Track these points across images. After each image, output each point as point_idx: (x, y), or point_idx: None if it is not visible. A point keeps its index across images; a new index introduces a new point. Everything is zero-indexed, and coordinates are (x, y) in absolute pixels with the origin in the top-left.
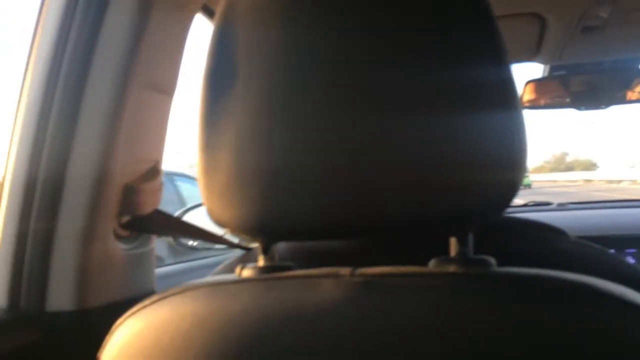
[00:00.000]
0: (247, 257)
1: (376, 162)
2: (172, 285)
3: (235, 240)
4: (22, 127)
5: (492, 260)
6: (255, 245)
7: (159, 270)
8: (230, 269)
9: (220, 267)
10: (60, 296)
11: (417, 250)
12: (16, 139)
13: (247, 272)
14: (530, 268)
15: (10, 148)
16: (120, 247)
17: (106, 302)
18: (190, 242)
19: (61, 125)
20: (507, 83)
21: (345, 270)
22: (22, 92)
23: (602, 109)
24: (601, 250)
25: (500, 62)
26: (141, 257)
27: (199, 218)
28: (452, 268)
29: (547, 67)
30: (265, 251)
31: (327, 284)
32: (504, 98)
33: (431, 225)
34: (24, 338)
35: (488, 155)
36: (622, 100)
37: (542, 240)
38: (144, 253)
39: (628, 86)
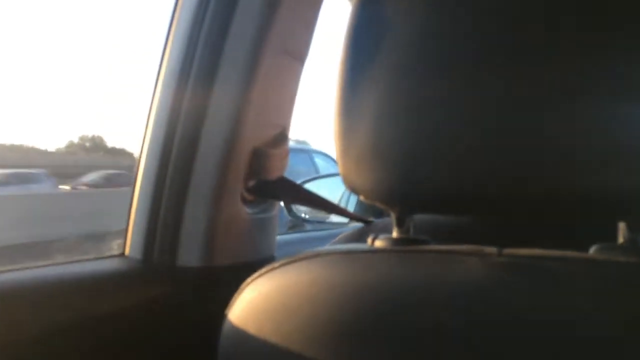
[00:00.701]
0: (368, 231)
1: (533, 136)
2: (289, 253)
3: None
4: (161, 90)
5: None
6: (374, 219)
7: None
8: (351, 240)
9: (338, 238)
10: (190, 252)
11: (569, 236)
12: (155, 101)
13: (380, 243)
14: None
15: (150, 110)
16: (245, 211)
17: (230, 262)
18: (303, 215)
19: (197, 89)
20: None
21: (490, 249)
22: (162, 57)
23: None
24: None
25: None
26: (264, 222)
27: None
28: (620, 257)
29: None
30: (400, 223)
31: (471, 262)
32: None
33: (597, 207)
34: (156, 289)
35: None
36: None
37: None
38: (268, 218)
39: None
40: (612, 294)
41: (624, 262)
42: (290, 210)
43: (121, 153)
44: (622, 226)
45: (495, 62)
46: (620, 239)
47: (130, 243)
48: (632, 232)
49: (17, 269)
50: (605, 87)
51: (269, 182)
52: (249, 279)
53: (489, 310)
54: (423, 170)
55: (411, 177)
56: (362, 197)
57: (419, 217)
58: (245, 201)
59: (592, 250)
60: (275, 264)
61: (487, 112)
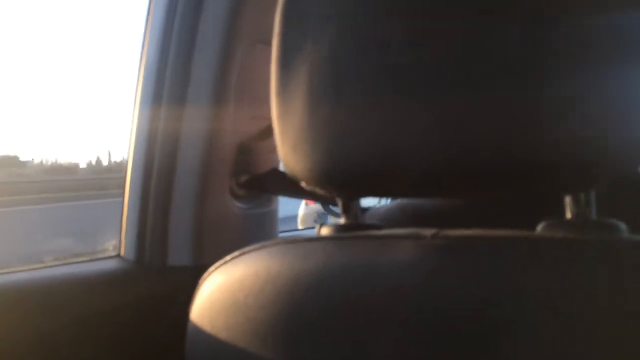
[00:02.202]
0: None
1: (473, 110)
2: None
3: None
4: (141, 93)
5: (622, 226)
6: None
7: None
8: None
9: None
10: (179, 252)
11: (525, 214)
12: (136, 105)
13: (325, 230)
14: None
15: (132, 115)
16: (237, 206)
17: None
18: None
19: (174, 89)
20: None
21: (428, 231)
22: (140, 61)
23: None
24: None
25: None
26: (261, 217)
27: None
28: (566, 232)
29: None
30: (346, 208)
31: (405, 245)
32: None
33: (543, 179)
34: (148, 288)
35: (632, 105)
36: None
37: None
38: (265, 213)
39: None
40: (550, 271)
41: (567, 238)
42: (325, 206)
43: None
44: (568, 200)
45: (427, 31)
46: (568, 214)
47: (124, 244)
48: (580, 206)
49: (15, 271)
50: (553, 55)
51: (261, 175)
52: (205, 274)
53: (419, 292)
54: (359, 153)
55: (348, 160)
56: (303, 184)
57: (403, 203)
58: (236, 196)
59: (540, 227)
60: (228, 257)
61: (422, 88)
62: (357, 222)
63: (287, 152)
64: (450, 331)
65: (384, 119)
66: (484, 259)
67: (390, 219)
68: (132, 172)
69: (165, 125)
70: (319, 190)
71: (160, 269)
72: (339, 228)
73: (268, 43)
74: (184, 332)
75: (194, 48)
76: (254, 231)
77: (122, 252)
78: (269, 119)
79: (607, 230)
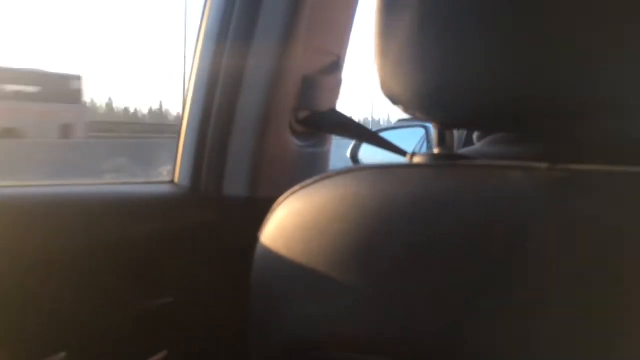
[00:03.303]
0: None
1: (577, 51)
2: None
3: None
4: (208, 16)
5: None
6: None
7: None
8: None
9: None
10: (235, 182)
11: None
12: (202, 29)
13: (418, 159)
14: None
15: (197, 39)
16: (295, 143)
17: (277, 193)
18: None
19: (243, 14)
20: None
21: (539, 164)
22: None
23: None
24: None
25: None
26: (315, 156)
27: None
28: None
29: None
30: (441, 137)
31: (516, 175)
32: None
33: None
34: (201, 216)
35: None
36: None
37: None
38: (319, 153)
39: None
40: None
41: None
42: (355, 160)
43: None
44: None
45: None
46: None
47: (179, 171)
48: None
49: (70, 184)
50: None
51: (320, 113)
52: (280, 198)
53: (531, 227)
54: (464, 81)
55: (452, 82)
56: (401, 108)
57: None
58: (294, 133)
59: None
60: (309, 181)
61: (537, 23)
62: (452, 152)
63: (388, 72)
64: (569, 260)
65: (494, 49)
66: (607, 192)
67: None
68: (192, 101)
69: (231, 56)
70: (418, 115)
71: (215, 197)
72: (433, 157)
73: None
74: (237, 260)
75: None
76: (308, 169)
77: (176, 178)
78: (335, 54)
79: None
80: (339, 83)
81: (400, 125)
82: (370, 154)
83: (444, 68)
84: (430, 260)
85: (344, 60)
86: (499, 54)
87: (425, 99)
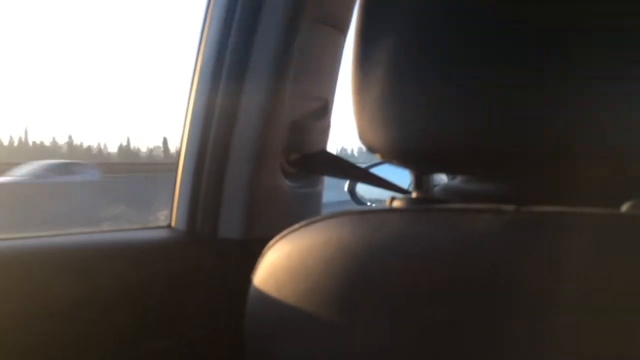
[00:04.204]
0: None
1: (553, 91)
2: None
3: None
4: (201, 65)
5: None
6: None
7: None
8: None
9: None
10: (230, 224)
11: (606, 200)
12: (195, 76)
13: (397, 203)
14: None
15: (191, 86)
16: (286, 184)
17: (271, 235)
18: (368, 203)
19: (234, 65)
20: None
21: (508, 207)
22: (202, 31)
23: None
24: None
25: None
26: (307, 196)
27: None
28: None
29: None
30: (418, 183)
31: (487, 219)
32: None
33: (632, 154)
34: (198, 259)
35: None
36: None
37: None
38: (311, 193)
39: None
40: (630, 249)
41: None
42: (353, 195)
43: None
44: None
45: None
46: None
47: (176, 215)
48: None
49: (68, 234)
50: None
51: (310, 155)
52: (271, 242)
53: (502, 265)
54: (439, 123)
55: (427, 130)
56: (378, 156)
57: (447, 185)
58: (286, 174)
59: (625, 206)
60: (295, 226)
61: (506, 69)
62: (429, 196)
63: (364, 125)
64: (531, 308)
65: (464, 97)
66: (569, 235)
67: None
68: (187, 145)
69: (223, 100)
70: (395, 163)
71: (211, 240)
72: (411, 201)
73: (333, 25)
74: (233, 302)
75: (256, 26)
76: (301, 210)
77: (173, 223)
78: (323, 99)
79: None
80: (327, 126)
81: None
82: (367, 188)
83: (417, 118)
84: (411, 299)
85: (332, 104)
86: (469, 102)
87: (400, 149)
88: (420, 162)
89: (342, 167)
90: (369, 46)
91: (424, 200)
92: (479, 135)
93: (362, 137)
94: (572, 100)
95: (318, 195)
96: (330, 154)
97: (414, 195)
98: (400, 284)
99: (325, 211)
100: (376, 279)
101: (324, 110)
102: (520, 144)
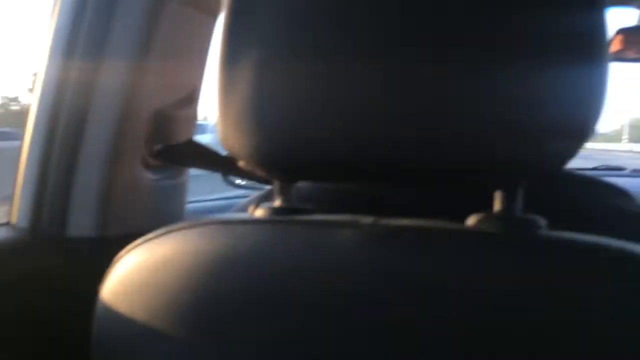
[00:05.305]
0: (267, 197)
1: (423, 99)
2: None
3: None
4: (51, 47)
5: (542, 222)
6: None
7: (194, 206)
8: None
9: (243, 202)
10: (82, 222)
11: (458, 204)
12: (45, 57)
13: (260, 212)
14: (585, 233)
15: (41, 67)
16: (148, 177)
17: (129, 231)
18: (239, 181)
19: (89, 44)
20: (597, 30)
21: (367, 219)
22: (52, 13)
23: None
24: None
25: (592, 5)
26: (171, 188)
27: None
28: (494, 227)
29: None
30: (282, 191)
31: (344, 233)
32: (589, 46)
33: (477, 174)
34: (43, 261)
35: (558, 108)
36: None
37: (601, 200)
38: (175, 185)
39: None
40: (477, 266)
41: (493, 233)
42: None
43: None
44: (498, 195)
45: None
46: (497, 208)
47: (17, 210)
48: (509, 200)
49: None
50: (484, 61)
51: (176, 146)
52: (121, 252)
53: (355, 281)
54: (302, 130)
55: (290, 138)
56: (241, 163)
57: (314, 184)
58: (148, 167)
59: (469, 220)
60: (151, 235)
61: (371, 81)
62: (292, 205)
63: (229, 130)
64: (386, 321)
65: (334, 108)
66: (418, 250)
67: (315, 199)
68: (33, 131)
69: (76, 85)
70: (258, 172)
71: (58, 240)
72: (273, 211)
73: (201, 9)
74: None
75: (115, 6)
76: (163, 203)
77: (14, 219)
78: (190, 87)
79: (528, 226)
80: (194, 115)
81: None
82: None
83: (280, 127)
84: (268, 313)
85: (199, 92)
86: (330, 115)
87: (265, 159)
88: (285, 171)
89: (210, 157)
90: (236, 45)
91: (287, 210)
92: (340, 147)
93: (226, 141)
94: (418, 118)
95: (182, 187)
96: (197, 144)
97: (276, 203)
98: (258, 299)
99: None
100: (233, 294)
101: (190, 98)
102: (376, 157)
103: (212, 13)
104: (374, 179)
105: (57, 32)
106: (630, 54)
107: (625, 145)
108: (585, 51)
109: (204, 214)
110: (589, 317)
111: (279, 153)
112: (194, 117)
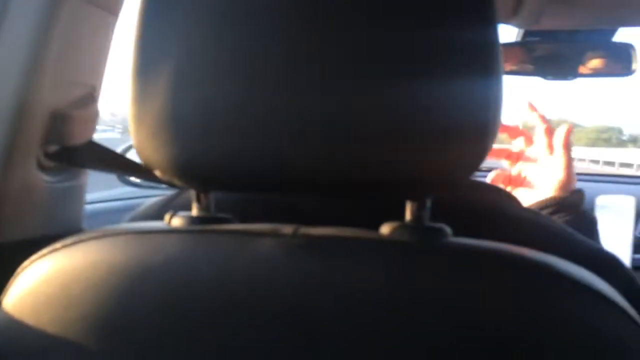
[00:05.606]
0: (176, 200)
1: (333, 111)
2: (102, 225)
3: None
4: None
5: (448, 230)
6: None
7: (91, 207)
8: (155, 210)
9: (143, 207)
10: None
11: (375, 212)
12: None
13: (176, 222)
14: (486, 240)
15: None
16: (43, 179)
17: (23, 236)
18: (134, 179)
19: None
20: (491, 42)
21: (287, 229)
22: None
23: (569, 79)
24: (549, 220)
25: (485, 20)
26: (68, 191)
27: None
28: (406, 236)
29: (521, 32)
30: (200, 200)
31: (264, 243)
32: (485, 57)
33: (386, 186)
34: None
35: (459, 118)
36: (580, 73)
37: (490, 202)
38: (72, 187)
39: (582, 60)
40: (389, 273)
41: (403, 241)
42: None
43: None
44: (409, 205)
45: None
46: (408, 217)
47: None
48: (419, 210)
49: None
50: (391, 65)
51: (74, 147)
52: (26, 262)
53: (276, 292)
54: (216, 142)
55: (205, 149)
56: (158, 173)
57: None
58: (43, 169)
59: (383, 229)
60: (58, 245)
61: (278, 94)
62: (209, 214)
63: (143, 139)
64: (307, 330)
65: (249, 114)
66: (338, 259)
67: (239, 210)
68: None
69: None
70: (175, 181)
71: None
72: (191, 220)
73: (101, 6)
74: None
75: (7, 2)
76: (60, 206)
77: None
78: (89, 86)
79: (436, 234)
80: (94, 115)
81: None
82: None
83: (197, 137)
84: (187, 327)
85: (99, 92)
86: (240, 126)
87: (182, 169)
88: (200, 180)
89: (110, 159)
90: (150, 51)
91: (204, 219)
92: (257, 159)
93: (140, 150)
94: (323, 131)
95: (80, 189)
96: (97, 146)
97: (194, 212)
98: (177, 312)
99: None
100: (150, 307)
101: (89, 98)
102: (283, 165)
103: (112, 12)
104: (284, 191)
105: None
106: (507, 66)
107: None
108: (481, 62)
109: (104, 216)
110: (483, 317)
111: (195, 162)
112: (94, 117)
